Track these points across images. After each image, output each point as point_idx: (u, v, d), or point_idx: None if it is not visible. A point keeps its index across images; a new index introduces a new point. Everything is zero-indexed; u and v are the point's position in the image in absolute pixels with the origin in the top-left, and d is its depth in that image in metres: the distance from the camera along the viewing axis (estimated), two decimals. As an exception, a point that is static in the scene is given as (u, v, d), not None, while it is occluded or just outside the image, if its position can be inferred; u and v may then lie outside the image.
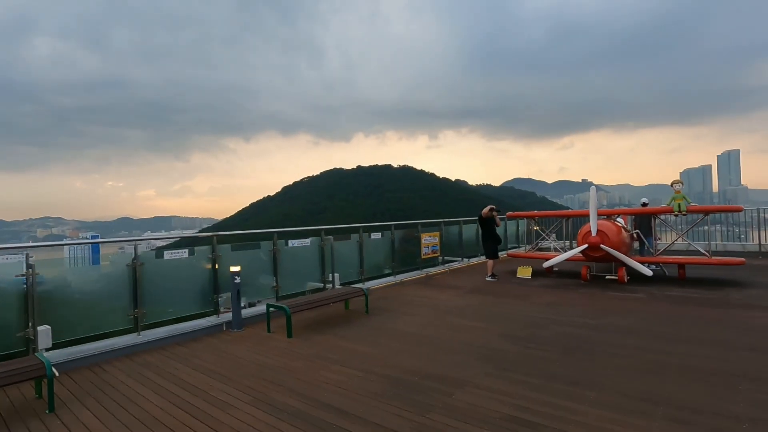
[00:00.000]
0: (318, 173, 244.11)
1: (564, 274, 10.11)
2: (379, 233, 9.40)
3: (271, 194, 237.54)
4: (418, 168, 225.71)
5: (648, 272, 7.99)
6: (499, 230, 13.75)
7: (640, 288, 8.06)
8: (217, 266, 6.27)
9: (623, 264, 8.49)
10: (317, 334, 5.72)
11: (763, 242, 12.46)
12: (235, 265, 6.09)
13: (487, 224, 9.97)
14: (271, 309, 5.98)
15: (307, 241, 7.73)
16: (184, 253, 5.97)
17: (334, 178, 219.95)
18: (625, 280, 8.57)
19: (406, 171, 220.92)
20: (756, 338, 4.83)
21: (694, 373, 3.95)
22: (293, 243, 7.45)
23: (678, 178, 9.30)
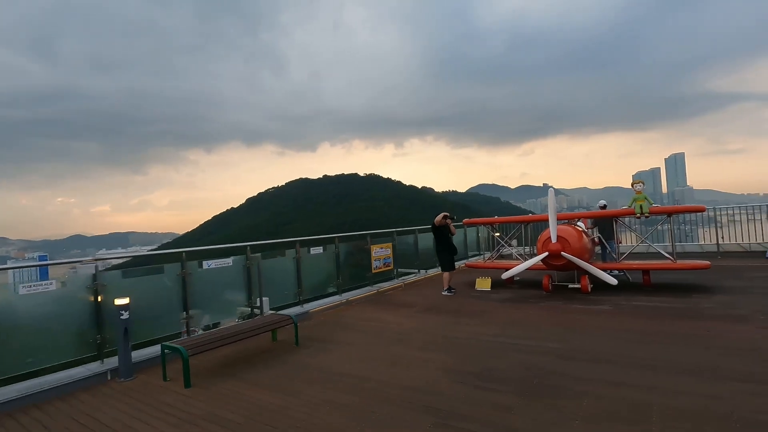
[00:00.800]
0: (284, 183, 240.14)
1: (525, 284, 9.37)
2: (320, 247, 8.30)
3: (235, 206, 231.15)
4: (385, 176, 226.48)
5: (613, 281, 7.32)
6: (457, 239, 13.05)
7: (605, 298, 7.37)
8: (100, 298, 5.00)
9: (586, 272, 7.80)
10: (224, 380, 4.56)
11: (721, 242, 12.27)
12: (123, 296, 4.85)
13: (442, 233, 9.09)
14: (166, 351, 4.76)
15: (228, 261, 6.54)
16: (50, 285, 4.68)
17: (301, 188, 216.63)
18: (589, 289, 7.88)
19: (373, 179, 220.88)
20: (744, 361, 4.09)
21: (682, 417, 3.10)
22: (209, 264, 6.24)
23: (638, 179, 8.73)
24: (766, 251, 10.80)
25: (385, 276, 10.06)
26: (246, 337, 5.32)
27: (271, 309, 7.00)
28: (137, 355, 5.14)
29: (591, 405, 3.41)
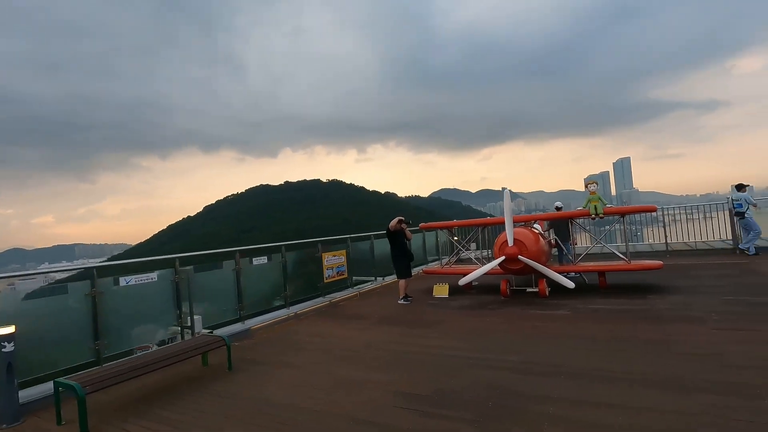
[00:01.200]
0: (243, 190, 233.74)
1: (483, 289, 9.08)
2: (264, 257, 7.61)
3: (192, 214, 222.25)
4: (348, 182, 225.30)
5: (570, 285, 7.12)
6: (415, 244, 12.67)
7: (563, 302, 7.16)
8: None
9: (544, 275, 7.58)
10: (134, 420, 3.84)
11: (669, 241, 12.60)
12: (6, 323, 4.02)
13: (397, 239, 8.64)
14: (60, 388, 3.97)
15: (152, 276, 5.76)
16: None
17: (261, 195, 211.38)
18: (547, 293, 7.67)
19: (336, 185, 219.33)
20: (706, 369, 3.85)
21: (650, 444, 2.75)
22: (127, 281, 5.44)
23: (591, 180, 8.65)
24: (738, 246, 10.92)
25: (339, 285, 9.49)
26: (167, 365, 4.60)
27: (205, 328, 6.27)
28: (27, 394, 4.30)
29: (550, 431, 3.01)
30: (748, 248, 10.43)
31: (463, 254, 10.03)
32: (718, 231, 12.54)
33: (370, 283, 10.49)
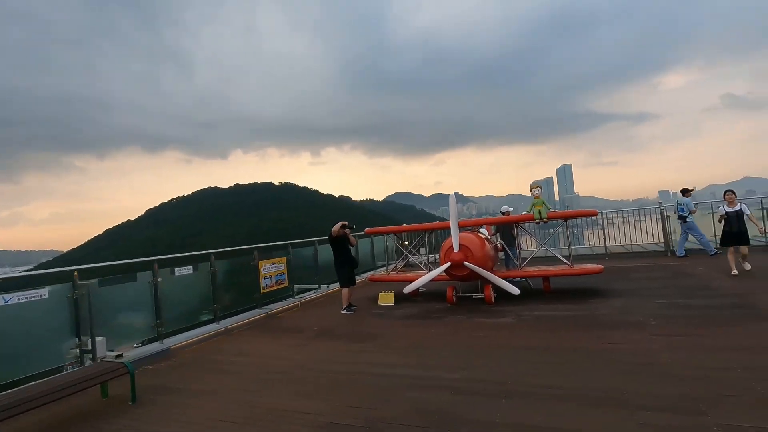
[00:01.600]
0: (190, 193, 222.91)
1: (430, 296, 8.80)
2: (190, 267, 6.85)
3: (133, 218, 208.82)
4: (302, 185, 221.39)
5: (515, 291, 6.96)
6: (362, 249, 12.22)
7: (508, 308, 6.99)
8: None
9: (490, 282, 7.39)
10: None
11: (608, 244, 13.03)
12: None
13: (340, 245, 8.15)
14: None
15: (43, 292, 4.88)
16: None
17: (210, 198, 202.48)
18: (493, 300, 7.49)
19: (289, 188, 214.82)
20: (647, 381, 3.69)
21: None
22: (6, 299, 4.55)
23: (536, 184, 8.56)
24: (709, 249, 11.09)
25: (279, 295, 8.83)
26: (52, 400, 3.82)
27: (112, 351, 5.45)
28: None
29: (490, 467, 2.65)
30: (681, 251, 10.87)
31: (411, 260, 9.72)
32: (650, 234, 13.17)
33: (313, 291, 9.91)
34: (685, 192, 11.12)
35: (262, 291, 8.29)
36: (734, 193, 7.98)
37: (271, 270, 8.59)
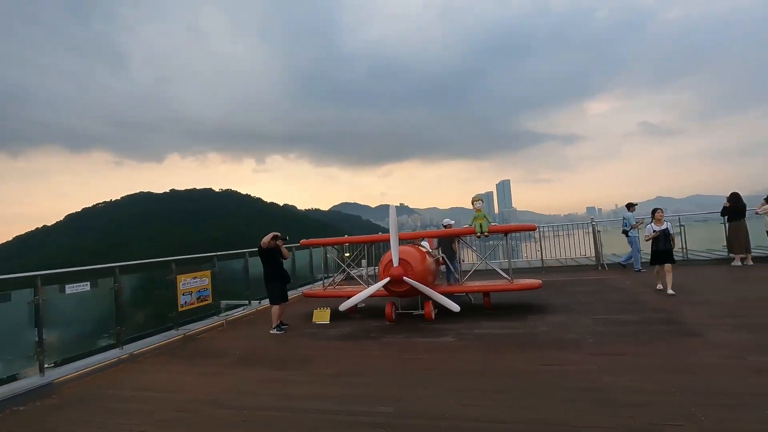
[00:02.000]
0: (120, 198, 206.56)
1: (369, 312, 8.33)
2: (87, 283, 5.83)
3: (50, 224, 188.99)
4: (244, 192, 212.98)
5: (455, 308, 6.67)
6: (300, 261, 11.51)
7: (448, 326, 6.68)
8: None
9: (430, 298, 7.06)
10: None
11: (545, 257, 13.36)
12: None
13: (271, 257, 7.46)
14: None
15: None
16: None
17: (142, 203, 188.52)
18: (433, 316, 7.16)
19: (230, 196, 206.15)
20: (588, 407, 3.45)
21: None
22: None
23: (477, 197, 8.40)
24: (621, 261, 11.55)
25: (201, 313, 7.92)
26: None
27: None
28: None
29: None
30: (632, 264, 11.18)
31: (351, 274, 9.20)
32: (582, 248, 13.69)
33: (242, 308, 9.05)
34: (630, 206, 11.30)
35: (181, 309, 7.36)
36: (662, 211, 8.22)
37: (193, 285, 7.68)
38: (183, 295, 7.43)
